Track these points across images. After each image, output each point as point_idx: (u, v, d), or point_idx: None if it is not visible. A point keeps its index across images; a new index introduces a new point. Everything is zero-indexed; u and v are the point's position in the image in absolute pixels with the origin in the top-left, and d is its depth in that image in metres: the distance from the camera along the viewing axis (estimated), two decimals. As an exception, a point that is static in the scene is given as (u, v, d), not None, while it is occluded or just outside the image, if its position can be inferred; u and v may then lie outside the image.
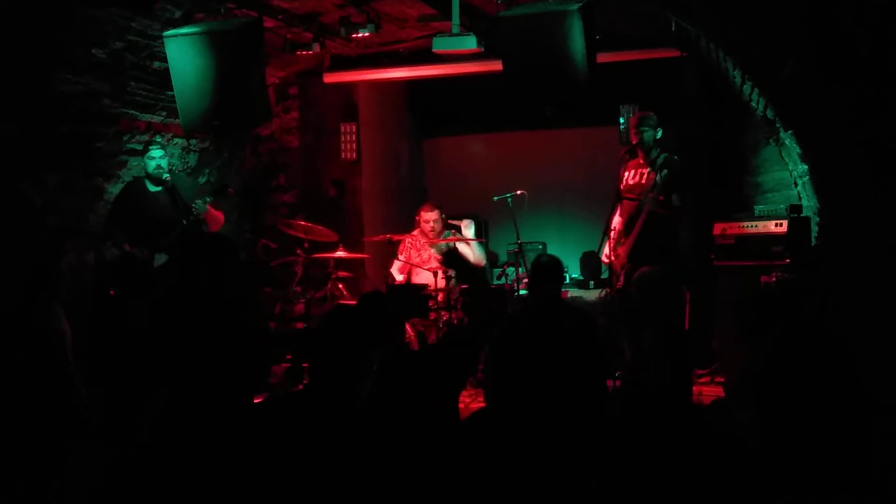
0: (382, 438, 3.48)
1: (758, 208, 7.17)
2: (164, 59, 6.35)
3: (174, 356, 4.15)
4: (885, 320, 5.17)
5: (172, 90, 6.33)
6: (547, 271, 5.37)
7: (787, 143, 6.70)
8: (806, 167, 6.49)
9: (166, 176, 6.84)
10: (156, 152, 6.93)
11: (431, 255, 8.07)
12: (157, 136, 7.44)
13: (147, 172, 6.91)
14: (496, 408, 4.13)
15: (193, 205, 6.78)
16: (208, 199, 6.96)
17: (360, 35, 7.20)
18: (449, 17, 6.33)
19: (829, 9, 5.12)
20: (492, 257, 9.70)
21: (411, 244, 8.22)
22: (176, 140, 7.78)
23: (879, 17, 4.90)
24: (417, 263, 8.08)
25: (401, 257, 8.15)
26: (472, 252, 8.05)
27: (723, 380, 7.07)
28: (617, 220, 6.71)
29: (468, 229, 8.24)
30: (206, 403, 3.84)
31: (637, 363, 6.26)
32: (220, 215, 7.19)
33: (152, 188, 6.91)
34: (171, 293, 4.53)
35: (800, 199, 6.97)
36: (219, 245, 4.55)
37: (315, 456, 3.27)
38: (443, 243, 7.96)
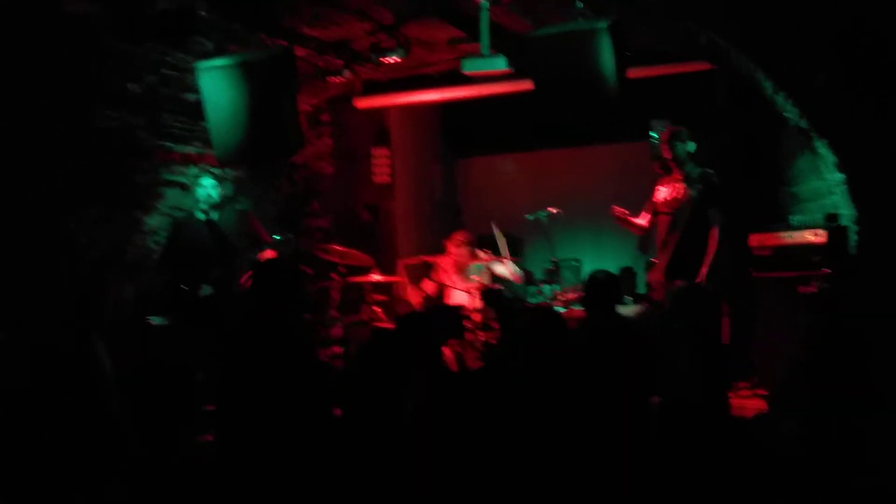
0: (425, 456, 3.49)
1: (794, 219, 7.11)
2: (197, 91, 6.42)
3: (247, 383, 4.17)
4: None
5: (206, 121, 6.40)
6: (604, 288, 5.36)
7: (821, 152, 6.64)
8: (842, 176, 6.44)
9: (206, 207, 6.90)
10: (207, 181, 7.01)
11: (465, 277, 8.08)
12: (192, 168, 7.50)
13: (196, 200, 6.98)
14: (542, 424, 4.12)
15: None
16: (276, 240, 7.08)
17: (390, 60, 7.25)
18: (478, 39, 6.34)
19: (856, 20, 5.10)
20: (526, 275, 9.68)
21: (445, 266, 8.22)
22: (211, 170, 7.85)
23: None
24: (452, 284, 8.09)
25: (435, 279, 8.16)
26: (507, 269, 8.06)
27: (764, 392, 7.00)
28: (641, 220, 6.81)
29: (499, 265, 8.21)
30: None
31: (675, 379, 6.22)
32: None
33: (200, 216, 6.97)
34: (246, 321, 4.55)
35: (836, 208, 6.90)
36: (293, 270, 4.62)
37: (358, 474, 3.29)
38: (478, 267, 7.97)
